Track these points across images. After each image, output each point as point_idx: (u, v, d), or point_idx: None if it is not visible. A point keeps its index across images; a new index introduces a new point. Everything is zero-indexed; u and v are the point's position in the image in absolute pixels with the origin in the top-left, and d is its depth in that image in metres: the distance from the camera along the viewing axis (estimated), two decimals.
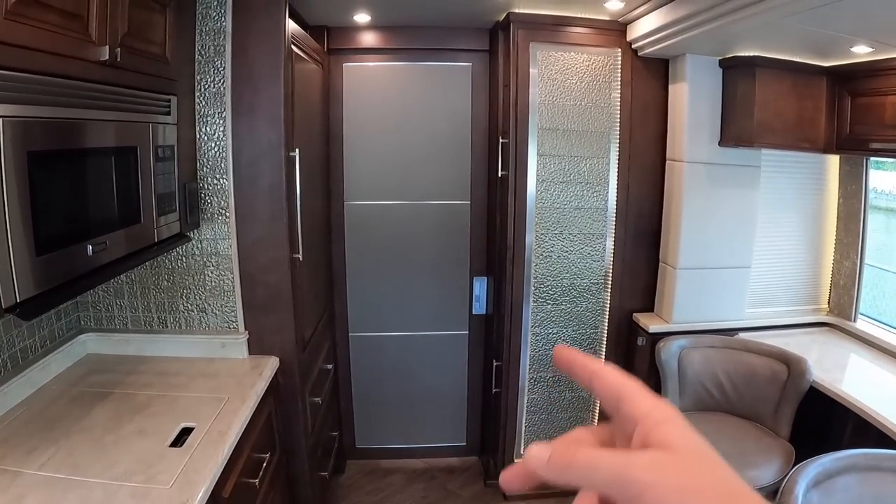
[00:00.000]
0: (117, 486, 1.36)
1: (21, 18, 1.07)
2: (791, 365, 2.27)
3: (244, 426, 1.70)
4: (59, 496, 1.31)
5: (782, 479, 2.00)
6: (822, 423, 2.23)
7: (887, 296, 3.31)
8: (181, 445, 1.55)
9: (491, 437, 3.01)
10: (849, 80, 2.38)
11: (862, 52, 2.17)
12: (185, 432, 1.61)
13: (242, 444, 1.70)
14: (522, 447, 2.84)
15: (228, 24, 1.89)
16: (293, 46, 2.05)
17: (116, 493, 1.33)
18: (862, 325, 2.72)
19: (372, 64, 2.80)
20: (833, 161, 2.79)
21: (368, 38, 2.74)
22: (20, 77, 1.11)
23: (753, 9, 1.78)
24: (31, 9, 1.09)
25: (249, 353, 2.12)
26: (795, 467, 1.58)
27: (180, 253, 2.05)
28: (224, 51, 1.91)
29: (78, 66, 1.28)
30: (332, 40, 2.71)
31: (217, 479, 1.46)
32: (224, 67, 1.92)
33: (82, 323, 2.11)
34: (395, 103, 2.84)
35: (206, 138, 1.96)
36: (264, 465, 1.86)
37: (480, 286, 3.02)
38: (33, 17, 1.10)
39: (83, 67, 1.30)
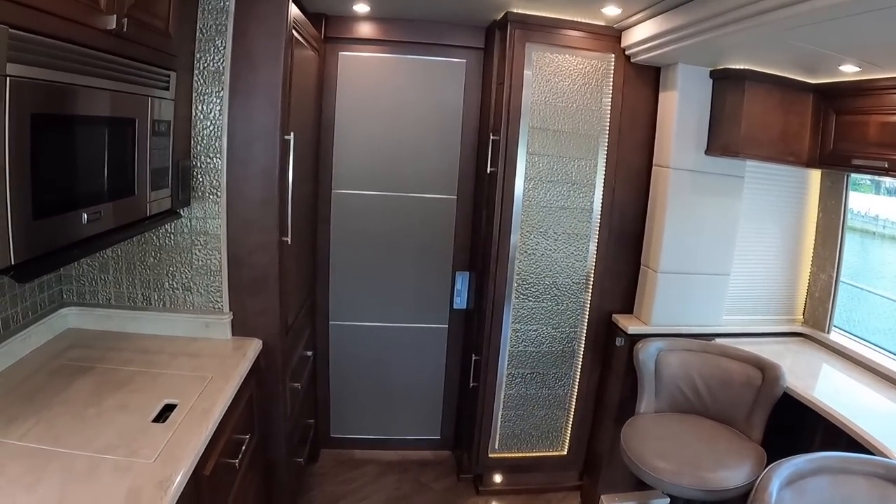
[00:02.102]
0: (99, 458, 1.35)
1: None
2: (766, 371, 2.34)
3: (227, 405, 1.70)
4: (41, 466, 1.29)
5: (754, 481, 2.08)
6: (793, 428, 2.30)
7: (859, 311, 3.42)
8: (164, 421, 1.55)
9: (466, 431, 3.04)
10: (834, 97, 2.45)
11: (849, 72, 2.24)
12: (168, 409, 1.61)
13: (224, 423, 1.69)
14: (497, 441, 2.87)
15: (231, 3, 1.89)
16: (294, 31, 2.05)
17: (99, 466, 1.32)
18: (836, 336, 2.81)
19: (367, 54, 2.81)
20: (814, 176, 2.88)
21: (365, 29, 2.75)
22: (30, 38, 1.11)
23: (749, 22, 1.82)
24: None
25: (233, 335, 2.12)
26: (770, 465, 1.63)
27: (168, 230, 2.03)
28: (225, 30, 1.90)
29: (85, 32, 1.28)
30: (329, 28, 2.71)
31: (200, 456, 1.46)
32: (224, 47, 1.91)
33: (64, 296, 2.08)
34: (388, 95, 2.85)
35: (201, 116, 1.95)
36: (244, 446, 1.86)
37: (462, 281, 3.05)
38: None
39: (90, 35, 1.30)
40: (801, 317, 3.02)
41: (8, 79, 1.06)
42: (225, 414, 1.68)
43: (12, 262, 1.14)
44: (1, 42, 1.03)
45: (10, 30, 1.05)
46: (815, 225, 2.94)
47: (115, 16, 1.35)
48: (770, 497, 1.54)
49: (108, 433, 1.45)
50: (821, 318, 2.90)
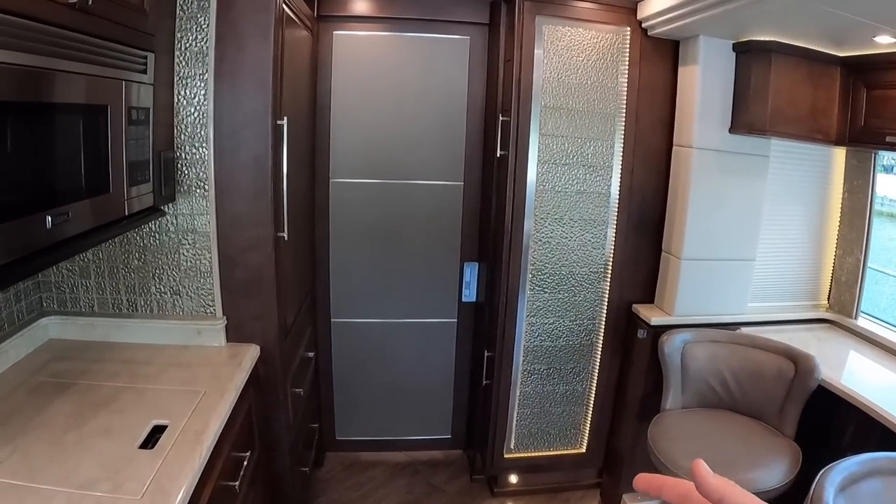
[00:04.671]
0: (80, 495, 1.18)
1: None
2: (798, 363, 2.19)
3: (223, 424, 1.53)
4: None
5: (790, 481, 1.95)
6: (824, 420, 2.16)
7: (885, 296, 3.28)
8: (152, 447, 1.38)
9: (479, 431, 2.89)
10: (865, 71, 2.28)
11: (885, 43, 2.07)
12: (157, 431, 1.44)
13: (221, 443, 1.53)
14: (513, 441, 2.72)
15: None
16: (284, 6, 1.85)
17: None
18: (863, 322, 2.67)
19: (364, 33, 2.61)
20: (839, 155, 2.71)
21: (361, 6, 2.55)
22: None
23: None
24: None
25: (227, 341, 1.95)
26: (822, 472, 1.50)
27: (153, 229, 1.85)
28: (208, 6, 1.70)
29: (45, 6, 1.09)
30: (322, 6, 2.51)
31: (194, 486, 1.30)
32: (207, 25, 1.71)
33: (44, 305, 1.91)
34: (388, 76, 2.66)
35: (184, 102, 1.76)
36: (244, 464, 1.70)
37: (471, 272, 2.88)
38: None
39: (51, 9, 1.11)
40: (826, 302, 2.87)
41: None
42: (222, 433, 1.52)
43: None
44: None
45: None
46: (839, 206, 2.78)
47: None
48: None
49: (90, 464, 1.28)
50: (847, 304, 2.75)
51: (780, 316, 2.71)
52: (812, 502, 1.41)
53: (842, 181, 2.75)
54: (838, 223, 2.80)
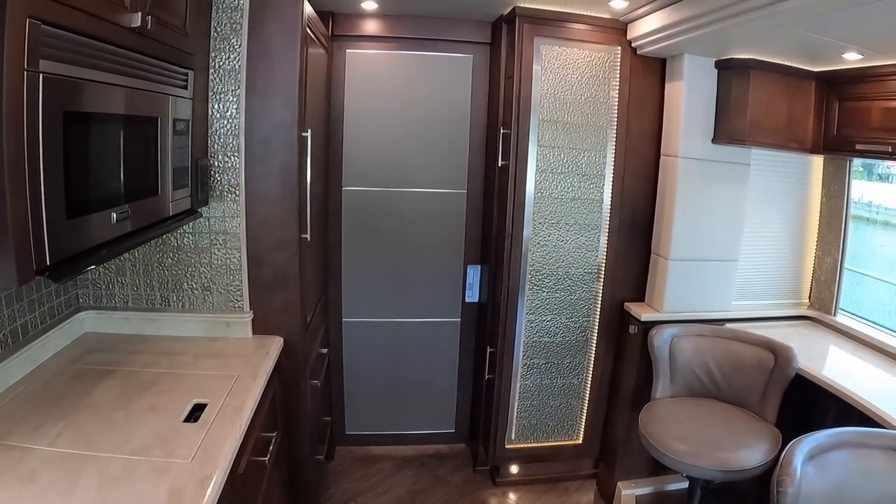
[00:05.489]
0: (136, 460, 1.34)
1: None
2: (778, 353, 2.37)
3: (257, 403, 1.70)
4: (75, 471, 1.28)
5: (771, 460, 2.12)
6: (805, 407, 2.33)
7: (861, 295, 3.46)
8: (196, 421, 1.54)
9: (481, 424, 3.06)
10: (837, 84, 2.48)
11: (852, 59, 2.28)
12: (198, 408, 1.60)
13: (253, 422, 1.69)
14: (514, 432, 2.89)
15: (246, 1, 1.88)
16: (307, 28, 2.05)
17: (136, 468, 1.31)
18: (842, 318, 2.85)
19: (374, 52, 2.81)
20: (817, 163, 2.92)
21: (372, 26, 2.75)
22: (60, 34, 1.10)
23: (757, 13, 1.84)
24: None
25: (254, 333, 2.12)
26: (792, 441, 1.66)
27: (186, 231, 2.03)
28: (240, 28, 1.90)
29: (112, 29, 1.28)
30: (336, 26, 2.71)
31: (236, 454, 1.46)
32: (240, 45, 1.90)
33: (80, 300, 2.07)
34: (396, 92, 2.85)
35: (218, 115, 1.94)
36: (272, 444, 1.86)
37: (474, 274, 3.06)
38: None
39: (116, 32, 1.29)
40: (808, 300, 3.06)
41: (42, 76, 1.06)
42: (254, 413, 1.68)
43: (48, 263, 1.14)
44: (34, 38, 1.03)
45: (42, 25, 1.04)
46: (818, 210, 2.98)
47: (139, 13, 1.35)
48: (795, 471, 1.57)
49: (141, 435, 1.44)
50: (827, 301, 2.94)
51: (764, 313, 2.89)
52: (781, 466, 1.58)
53: (821, 186, 2.96)
54: (818, 226, 3.00)
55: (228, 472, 1.39)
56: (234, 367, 1.86)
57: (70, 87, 1.16)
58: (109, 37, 1.28)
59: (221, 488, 1.32)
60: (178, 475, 1.30)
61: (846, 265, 2.92)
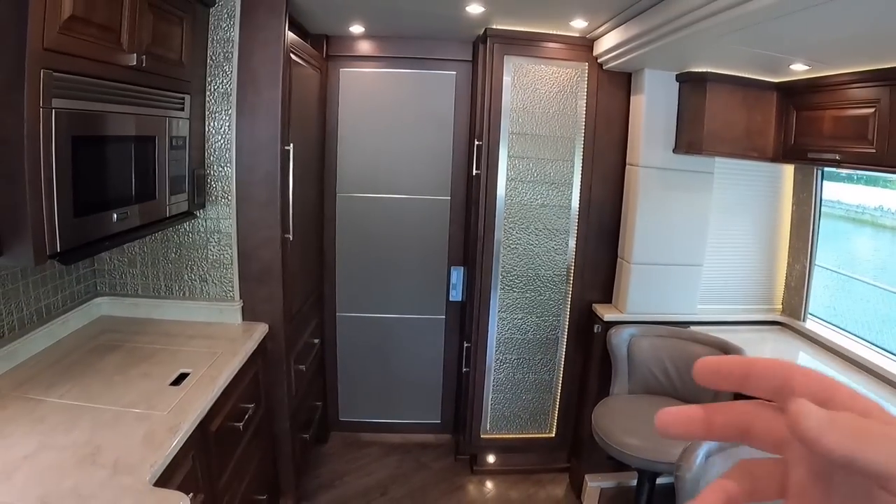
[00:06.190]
0: (124, 411, 1.66)
1: (69, 32, 1.39)
2: (729, 353, 2.52)
3: (232, 375, 2.00)
4: (76, 417, 1.61)
5: None
6: None
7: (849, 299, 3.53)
8: (178, 385, 1.85)
9: (461, 415, 3.29)
10: (795, 95, 2.60)
11: (800, 70, 2.39)
12: (183, 376, 1.92)
13: (230, 391, 1.99)
14: (488, 423, 3.11)
15: (236, 34, 2.21)
16: (291, 54, 2.36)
17: (123, 416, 1.63)
18: (811, 324, 2.96)
19: (366, 70, 3.11)
20: (788, 171, 3.04)
21: (363, 47, 3.05)
22: (69, 78, 1.43)
23: (689, 30, 1.99)
24: (76, 24, 1.41)
25: (243, 319, 2.43)
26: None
27: (187, 229, 2.36)
28: (232, 57, 2.22)
29: (111, 69, 1.60)
30: (331, 47, 3.03)
31: (206, 412, 1.76)
32: (231, 71, 2.23)
33: (98, 288, 2.42)
34: (387, 106, 3.14)
35: (213, 132, 2.27)
36: (248, 414, 2.16)
37: (457, 275, 3.31)
38: (78, 30, 1.42)
39: (116, 71, 1.62)
40: (780, 306, 3.17)
41: (54, 111, 1.38)
42: (231, 383, 1.98)
43: (59, 250, 1.46)
44: (47, 83, 1.36)
45: (54, 73, 1.37)
46: (789, 217, 3.10)
47: (135, 54, 1.67)
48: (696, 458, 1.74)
49: (132, 393, 1.77)
50: (797, 307, 3.05)
51: (732, 317, 3.03)
52: (682, 458, 1.73)
53: (791, 194, 3.07)
54: (789, 233, 3.11)
55: (197, 425, 1.69)
56: (220, 347, 2.17)
57: (77, 117, 1.49)
58: (110, 75, 1.61)
59: (188, 436, 1.62)
60: (155, 423, 1.61)
61: (844, 270, 3.01)
